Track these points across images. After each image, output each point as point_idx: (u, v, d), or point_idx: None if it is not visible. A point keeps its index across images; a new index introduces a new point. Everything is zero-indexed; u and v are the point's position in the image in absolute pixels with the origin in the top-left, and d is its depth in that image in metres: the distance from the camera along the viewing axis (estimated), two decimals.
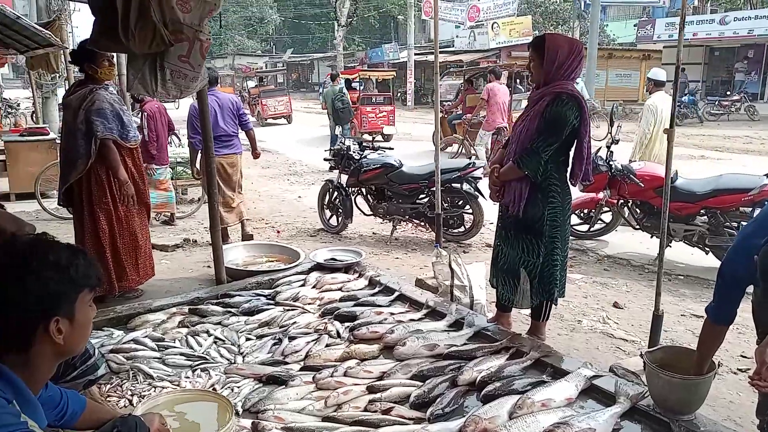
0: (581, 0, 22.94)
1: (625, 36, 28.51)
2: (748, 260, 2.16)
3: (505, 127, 9.96)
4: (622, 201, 5.87)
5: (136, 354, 3.15)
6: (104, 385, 2.85)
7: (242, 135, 5.97)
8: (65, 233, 5.06)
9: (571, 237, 6.07)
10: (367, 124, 15.67)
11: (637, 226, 5.79)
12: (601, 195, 6.01)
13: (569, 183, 3.30)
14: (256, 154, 6.16)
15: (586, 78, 22.34)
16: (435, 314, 3.63)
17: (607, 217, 6.33)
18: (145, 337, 3.35)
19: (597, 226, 6.37)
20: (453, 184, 6.06)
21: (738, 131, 17.07)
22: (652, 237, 5.65)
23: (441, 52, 29.75)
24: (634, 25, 26.11)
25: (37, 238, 1.51)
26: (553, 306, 3.42)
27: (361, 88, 13.07)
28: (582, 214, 6.44)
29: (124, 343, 3.28)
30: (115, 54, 4.04)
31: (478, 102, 10.70)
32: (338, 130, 12.92)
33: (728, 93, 22.01)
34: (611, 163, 5.78)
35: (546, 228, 3.21)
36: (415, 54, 29.89)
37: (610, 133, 5.91)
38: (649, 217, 5.65)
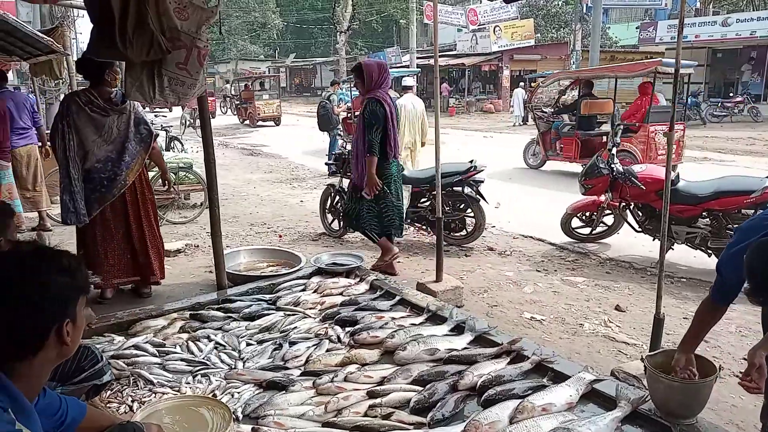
0: (583, 3, 22.95)
1: (627, 38, 28.54)
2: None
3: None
4: (623, 204, 5.85)
5: (137, 360, 3.15)
6: (105, 391, 2.84)
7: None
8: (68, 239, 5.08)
9: (573, 240, 6.07)
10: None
11: (639, 229, 5.78)
12: (602, 198, 5.99)
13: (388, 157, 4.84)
14: (46, 150, 6.70)
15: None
16: (436, 318, 3.63)
17: (609, 219, 6.30)
18: (146, 342, 3.35)
19: (599, 229, 6.35)
20: (454, 188, 6.06)
21: (741, 133, 17.05)
22: (654, 239, 5.62)
23: (443, 56, 29.92)
24: (636, 28, 26.12)
25: (40, 246, 1.54)
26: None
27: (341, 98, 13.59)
28: (584, 217, 6.43)
29: (125, 348, 3.28)
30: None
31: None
32: (324, 136, 12.99)
33: (731, 95, 21.95)
34: (613, 165, 5.77)
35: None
36: (418, 57, 29.92)
37: (613, 135, 5.89)
38: (650, 220, 5.63)
